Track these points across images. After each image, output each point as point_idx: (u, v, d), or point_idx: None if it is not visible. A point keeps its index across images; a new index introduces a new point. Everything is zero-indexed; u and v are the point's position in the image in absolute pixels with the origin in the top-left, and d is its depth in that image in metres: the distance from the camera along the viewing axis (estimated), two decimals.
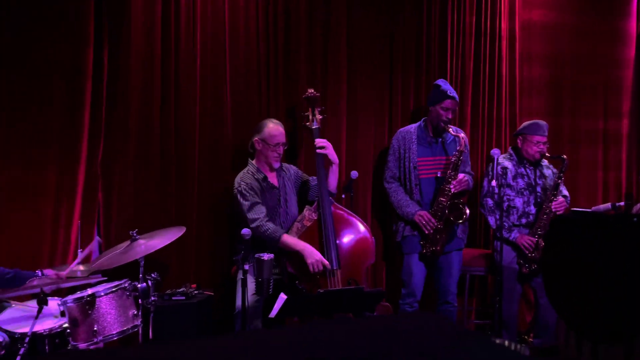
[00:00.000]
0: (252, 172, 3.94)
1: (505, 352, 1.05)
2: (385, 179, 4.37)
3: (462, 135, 4.23)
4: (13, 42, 3.77)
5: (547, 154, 4.41)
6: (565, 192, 4.52)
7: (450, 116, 4.25)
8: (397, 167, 4.33)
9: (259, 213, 3.82)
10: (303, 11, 4.47)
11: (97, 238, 3.58)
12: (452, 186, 4.15)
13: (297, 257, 3.79)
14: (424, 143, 4.31)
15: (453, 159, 4.19)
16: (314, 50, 4.51)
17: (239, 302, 3.69)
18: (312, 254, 3.75)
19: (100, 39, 3.94)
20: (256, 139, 3.95)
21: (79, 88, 3.89)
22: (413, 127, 4.37)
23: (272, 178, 3.99)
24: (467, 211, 4.14)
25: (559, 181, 4.33)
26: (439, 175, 4.26)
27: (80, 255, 3.58)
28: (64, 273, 3.44)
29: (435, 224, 4.16)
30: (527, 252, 4.30)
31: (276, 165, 3.98)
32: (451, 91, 4.27)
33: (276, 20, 4.40)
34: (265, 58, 4.38)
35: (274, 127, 3.95)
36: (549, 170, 4.51)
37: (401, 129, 4.42)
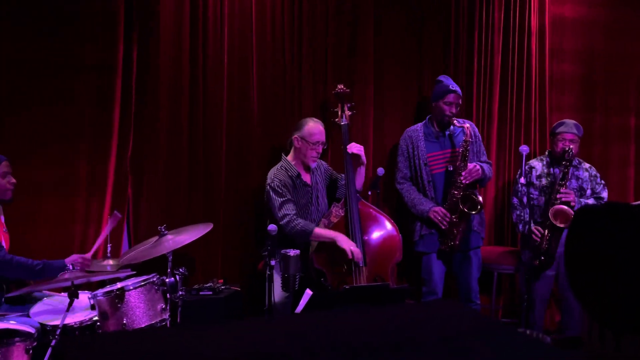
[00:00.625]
0: (285, 168, 3.94)
1: (527, 340, 1.05)
2: (397, 180, 4.34)
3: (467, 125, 4.16)
4: (47, 41, 3.83)
5: (568, 151, 4.30)
6: (604, 194, 4.42)
7: (454, 110, 4.21)
8: (407, 167, 4.30)
9: (289, 210, 3.82)
10: (331, 7, 4.46)
11: (116, 213, 3.61)
12: (462, 177, 4.09)
13: (326, 252, 3.80)
14: (431, 138, 4.28)
15: (460, 149, 4.14)
16: (340, 47, 4.49)
17: (276, 298, 3.70)
18: (347, 241, 3.76)
19: (130, 37, 3.98)
20: (296, 136, 3.94)
21: (110, 85, 3.94)
22: (419, 125, 4.35)
23: (305, 176, 3.99)
24: (480, 200, 4.10)
25: (566, 170, 4.23)
26: (450, 168, 4.22)
27: (103, 233, 3.62)
28: (88, 255, 3.49)
29: (450, 217, 4.11)
30: (536, 241, 4.19)
31: (313, 165, 3.98)
32: (453, 85, 4.23)
33: (301, 17, 4.40)
34: (290, 55, 4.38)
35: (314, 126, 3.93)
36: (586, 173, 4.44)
37: (407, 129, 4.39)
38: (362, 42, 4.55)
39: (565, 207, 4.18)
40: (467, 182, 4.11)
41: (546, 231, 4.20)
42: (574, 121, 4.41)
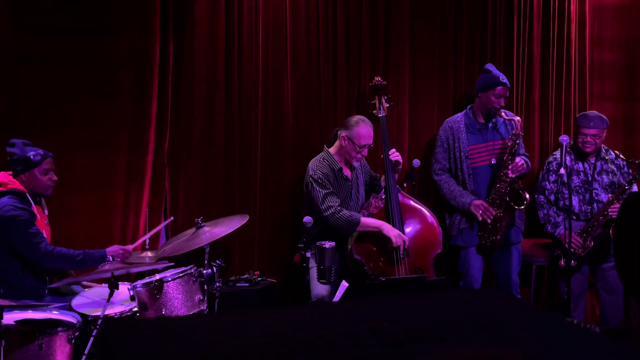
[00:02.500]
0: (328, 161, 3.89)
1: (577, 330, 1.01)
2: (434, 171, 4.20)
3: (517, 118, 4.05)
4: (86, 37, 3.88)
5: (590, 146, 4.16)
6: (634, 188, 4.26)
7: (502, 103, 4.07)
8: (446, 158, 4.16)
9: (333, 201, 3.78)
10: None
11: (171, 217, 3.69)
12: (509, 171, 3.97)
13: (367, 242, 3.79)
14: (474, 130, 4.14)
15: (510, 143, 4.01)
16: (375, 38, 4.43)
17: (315, 290, 3.71)
18: (392, 229, 3.75)
19: (166, 33, 4.00)
20: (343, 134, 3.84)
21: (147, 80, 3.96)
22: (459, 115, 4.20)
23: (346, 170, 3.95)
24: (527, 196, 3.99)
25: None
26: (493, 162, 4.09)
27: (149, 232, 3.66)
28: (130, 247, 3.53)
29: (494, 212, 4.01)
30: (572, 248, 4.05)
31: (356, 164, 3.92)
32: (503, 77, 4.09)
33: (335, 8, 4.35)
34: (325, 46, 4.34)
35: (364, 128, 3.83)
36: (612, 165, 4.25)
37: (447, 119, 4.25)
38: (397, 32, 4.48)
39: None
40: (514, 176, 3.99)
41: (591, 242, 4.09)
42: (595, 112, 4.26)
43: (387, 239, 3.75)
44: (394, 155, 3.90)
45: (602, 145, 4.27)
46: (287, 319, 1.03)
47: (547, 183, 4.21)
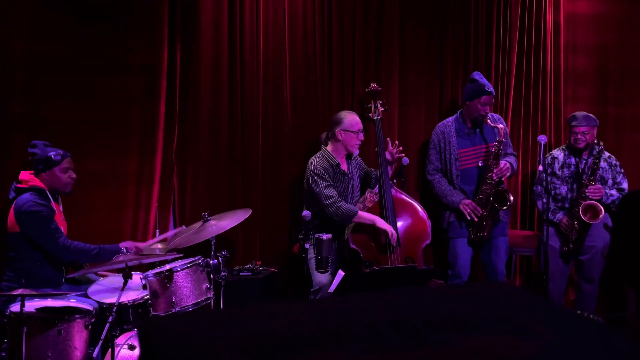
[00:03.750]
0: (326, 157, 4.00)
1: (585, 321, 1.01)
2: (428, 171, 4.35)
3: (500, 126, 4.19)
4: (98, 44, 3.92)
5: (581, 142, 4.29)
6: (624, 185, 4.36)
7: (488, 110, 4.21)
8: (439, 159, 4.30)
9: (333, 193, 3.90)
10: (358, 9, 4.48)
11: (183, 227, 3.72)
12: (494, 174, 4.11)
13: (362, 233, 3.89)
14: (463, 135, 4.29)
15: (493, 149, 4.15)
16: (367, 46, 4.54)
17: (316, 279, 3.78)
18: (385, 223, 3.87)
19: (173, 39, 4.05)
20: (338, 130, 3.97)
21: (156, 84, 4.03)
22: (450, 120, 4.35)
23: (344, 165, 4.06)
24: (511, 198, 4.13)
25: (595, 166, 4.27)
26: (480, 164, 4.23)
27: (161, 236, 3.68)
28: (142, 245, 3.55)
29: (481, 211, 4.11)
30: (565, 232, 4.29)
31: (356, 152, 4.07)
32: (488, 86, 4.21)
33: (331, 18, 4.46)
34: (321, 54, 4.46)
35: (351, 116, 4.01)
36: (605, 163, 4.41)
37: (439, 124, 4.40)
38: (387, 41, 4.57)
39: (595, 202, 4.14)
40: (497, 179, 4.14)
41: (575, 222, 4.25)
42: (584, 113, 4.34)
43: (380, 232, 3.86)
44: (399, 154, 4.07)
45: (597, 144, 4.30)
46: (310, 310, 1.03)
47: (544, 175, 4.27)
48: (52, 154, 3.41)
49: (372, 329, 0.96)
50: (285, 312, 1.05)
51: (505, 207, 4.10)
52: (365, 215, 3.90)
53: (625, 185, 4.40)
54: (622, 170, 4.42)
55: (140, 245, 3.55)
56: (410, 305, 1.04)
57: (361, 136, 4.00)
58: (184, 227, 3.75)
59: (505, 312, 1.02)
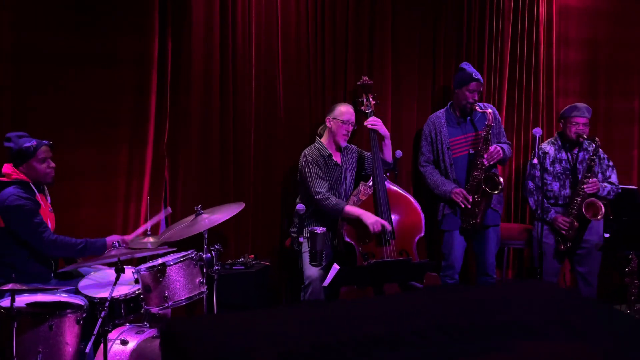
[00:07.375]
0: (318, 148, 4.03)
1: (627, 318, 0.98)
2: (420, 163, 4.36)
3: (489, 110, 4.17)
4: (88, 35, 3.85)
5: (584, 135, 4.24)
6: (614, 179, 4.35)
7: (476, 97, 4.22)
8: (430, 151, 4.31)
9: (322, 187, 3.90)
10: (351, 1, 4.43)
11: (168, 209, 3.64)
12: (484, 159, 4.09)
13: (356, 225, 3.87)
14: (454, 124, 4.29)
15: (483, 133, 4.15)
16: (360, 39, 4.51)
17: (307, 272, 3.78)
18: (371, 216, 3.83)
19: (164, 32, 4.00)
20: (328, 117, 4.06)
21: (146, 76, 3.97)
22: (441, 111, 4.37)
23: (337, 156, 4.07)
24: (502, 180, 4.12)
25: (592, 163, 4.24)
26: (471, 151, 4.23)
27: (149, 222, 3.62)
28: (128, 237, 3.48)
29: (471, 199, 4.11)
30: (562, 231, 4.25)
31: (343, 144, 4.07)
32: (476, 73, 4.24)
33: (324, 10, 4.42)
34: (314, 46, 4.42)
35: (344, 107, 4.07)
36: (595, 157, 4.35)
37: (431, 116, 4.41)
38: (380, 34, 4.55)
39: (595, 199, 4.12)
40: (489, 163, 4.13)
41: (574, 221, 4.21)
42: (584, 104, 4.34)
43: (367, 225, 3.82)
44: (369, 123, 4.01)
45: (593, 140, 4.29)
46: (351, 314, 0.98)
47: (535, 171, 4.26)
48: (25, 145, 3.31)
49: (419, 334, 0.90)
50: (329, 316, 0.99)
51: (496, 192, 4.09)
52: (352, 211, 3.86)
53: (614, 178, 4.38)
54: (611, 164, 4.42)
55: (127, 237, 3.49)
56: (454, 307, 0.99)
57: (349, 127, 4.01)
58: (169, 209, 3.68)
59: (558, 314, 0.97)
